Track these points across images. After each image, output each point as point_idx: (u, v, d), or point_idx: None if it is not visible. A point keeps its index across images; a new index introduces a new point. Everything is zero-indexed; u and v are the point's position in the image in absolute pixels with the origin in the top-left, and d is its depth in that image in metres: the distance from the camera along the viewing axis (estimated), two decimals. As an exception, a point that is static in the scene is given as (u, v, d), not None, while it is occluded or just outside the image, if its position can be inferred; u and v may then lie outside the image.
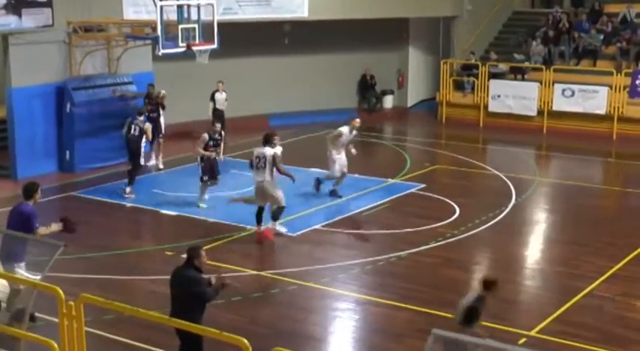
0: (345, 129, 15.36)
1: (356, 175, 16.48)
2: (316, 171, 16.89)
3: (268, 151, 12.91)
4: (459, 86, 24.47)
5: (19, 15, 16.70)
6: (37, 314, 9.18)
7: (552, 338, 9.52)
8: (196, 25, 16.89)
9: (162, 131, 18.06)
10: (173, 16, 16.71)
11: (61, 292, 6.68)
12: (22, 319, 7.64)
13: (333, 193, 15.40)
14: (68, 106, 17.49)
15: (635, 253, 12.49)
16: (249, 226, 13.63)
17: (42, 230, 9.44)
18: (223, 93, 20.08)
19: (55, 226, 9.65)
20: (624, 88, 21.83)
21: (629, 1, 24.71)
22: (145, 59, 19.20)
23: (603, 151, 20.59)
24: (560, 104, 22.53)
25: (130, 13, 18.91)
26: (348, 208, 14.88)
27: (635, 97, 21.71)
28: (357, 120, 15.77)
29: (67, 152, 17.71)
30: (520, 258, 12.73)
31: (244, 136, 20.43)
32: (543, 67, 23.17)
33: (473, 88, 24.00)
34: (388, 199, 15.52)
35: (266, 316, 10.21)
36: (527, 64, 23.96)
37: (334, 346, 9.82)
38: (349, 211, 14.70)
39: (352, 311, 10.63)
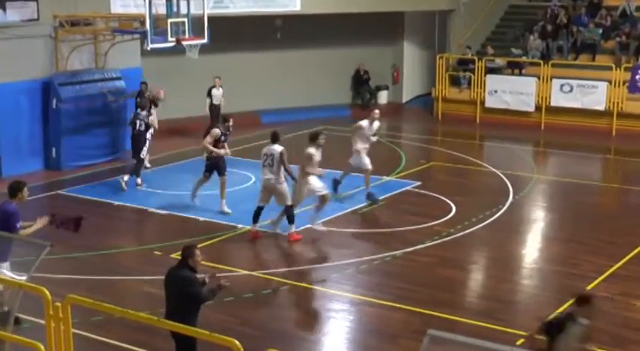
0: (364, 122, 15.34)
1: (350, 173, 16.45)
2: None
3: (277, 148, 12.95)
4: (455, 81, 24.50)
5: (4, 8, 16.66)
6: (22, 316, 9.15)
7: (551, 339, 9.53)
8: (186, 19, 16.87)
9: (154, 129, 17.96)
10: (162, 10, 16.68)
11: (47, 293, 6.66)
12: (7, 321, 7.61)
13: (369, 196, 15.10)
14: (54, 102, 17.43)
15: (635, 251, 12.53)
16: (240, 225, 13.63)
17: (25, 231, 9.30)
18: (220, 89, 20.12)
19: (40, 222, 9.46)
20: (624, 83, 21.89)
21: (628, -6, 24.80)
22: (134, 54, 19.17)
23: (602, 147, 20.65)
24: (558, 100, 22.58)
25: (117, 7, 18.88)
26: (343, 206, 14.89)
27: (634, 93, 21.77)
28: (376, 111, 15.70)
29: (54, 149, 17.67)
30: (517, 257, 12.76)
31: (236, 134, 20.39)
32: (541, 61, 23.22)
33: (469, 84, 24.03)
34: (383, 197, 15.53)
35: (258, 317, 10.21)
36: (524, 58, 24.00)
37: (328, 347, 9.82)
38: (343, 209, 14.70)
39: (346, 312, 10.64)
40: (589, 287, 11.08)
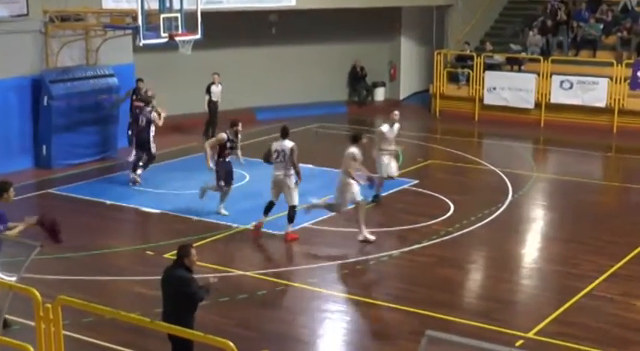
0: (384, 127, 15.11)
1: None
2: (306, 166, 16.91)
3: (288, 144, 12.99)
4: (453, 78, 24.51)
5: (-8, 4, 16.62)
6: (12, 318, 9.13)
7: (550, 340, 9.56)
8: (179, 15, 16.83)
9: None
10: (154, 5, 16.65)
11: (37, 294, 6.65)
12: (-3, 323, 7.61)
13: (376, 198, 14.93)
14: (45, 99, 17.37)
15: (636, 251, 12.54)
16: (235, 225, 13.62)
17: (11, 231, 9.19)
18: (219, 85, 20.15)
19: (26, 222, 9.31)
20: (625, 79, 21.92)
21: (629, -11, 24.83)
22: (126, 50, 19.14)
23: (603, 145, 20.68)
24: (558, 96, 22.60)
25: (109, 2, 18.87)
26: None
27: (636, 89, 21.80)
28: (396, 112, 15.46)
29: (44, 147, 17.63)
30: (517, 257, 12.77)
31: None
32: (541, 57, 23.24)
33: (468, 80, 24.05)
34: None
35: (253, 318, 10.21)
36: (524, 54, 24.02)
37: (324, 349, 9.83)
38: (339, 208, 14.69)
39: (342, 313, 10.64)
40: (589, 287, 11.10)
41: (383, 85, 26.47)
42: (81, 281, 11.41)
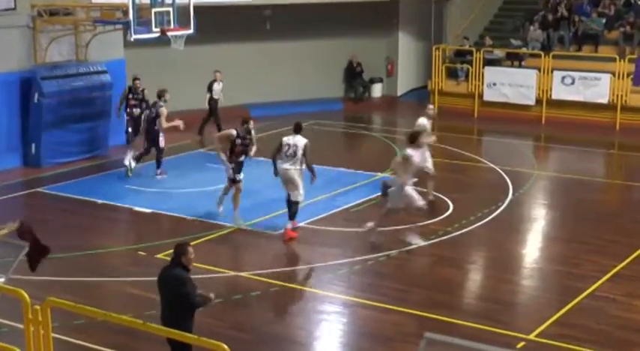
0: (423, 119, 14.90)
1: (342, 169, 16.49)
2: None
3: (301, 140, 13.00)
4: (451, 74, 24.53)
5: (-23, -3, 16.58)
6: (0, 320, 9.12)
7: (552, 342, 9.57)
8: (171, 9, 16.83)
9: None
10: (146, -1, 16.65)
11: (26, 295, 6.64)
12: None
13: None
14: (36, 96, 17.31)
15: (639, 251, 12.56)
16: (228, 224, 13.62)
17: None
18: (220, 83, 20.18)
19: (7, 228, 9.22)
20: (628, 75, 21.95)
21: (632, -17, 24.87)
22: (116, 46, 19.12)
23: (605, 142, 20.70)
24: (559, 93, 22.63)
25: (99, -4, 18.83)
26: (335, 204, 14.88)
27: (639, 85, 21.83)
28: (430, 106, 15.19)
29: (33, 145, 17.58)
30: (517, 257, 12.79)
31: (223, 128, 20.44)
32: (542, 53, 23.26)
33: (467, 76, 24.07)
34: (377, 194, 15.53)
35: (248, 320, 10.21)
36: (524, 50, 24.04)
37: (320, 351, 9.84)
38: (336, 207, 14.70)
39: (339, 314, 10.65)
40: (591, 288, 11.12)
41: (380, 81, 26.46)
42: (71, 282, 11.39)
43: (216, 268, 11.68)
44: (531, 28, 24.33)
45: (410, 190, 12.62)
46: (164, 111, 16.25)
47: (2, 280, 7.94)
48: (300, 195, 13.00)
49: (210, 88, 20.21)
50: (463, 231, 13.49)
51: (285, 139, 13.10)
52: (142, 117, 16.98)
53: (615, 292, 11.02)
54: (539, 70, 22.95)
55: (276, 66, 24.24)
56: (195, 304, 7.73)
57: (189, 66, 21.94)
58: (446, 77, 24.48)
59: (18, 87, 17.44)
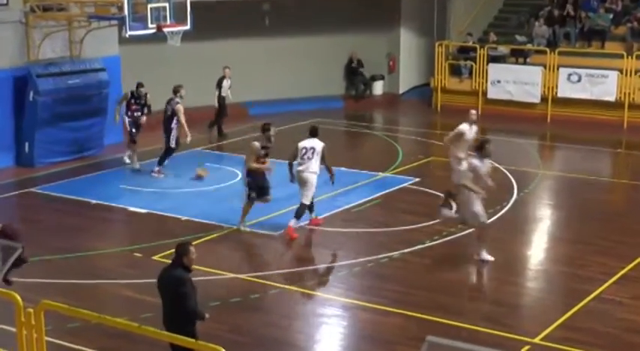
0: (464, 126, 14.23)
1: (343, 169, 16.49)
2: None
3: (319, 144, 13.19)
4: (455, 71, 24.53)
5: (-32, -8, 16.58)
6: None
7: (558, 345, 9.58)
8: (167, 4, 16.83)
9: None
10: (141, -6, 16.65)
11: (18, 298, 6.65)
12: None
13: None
14: (31, 94, 17.28)
15: (647, 252, 12.58)
16: (226, 225, 13.63)
17: None
18: (228, 80, 20.22)
19: None
20: (636, 72, 21.96)
21: (640, -22, 24.88)
22: (111, 42, 19.12)
23: (613, 141, 20.72)
24: (565, 90, 22.64)
25: (93, -9, 18.82)
26: (335, 204, 14.89)
27: (646, 82, 21.86)
28: (473, 111, 14.59)
29: (26, 144, 17.58)
30: (522, 258, 12.80)
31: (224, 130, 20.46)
32: (547, 49, 23.27)
33: (470, 73, 24.07)
34: (379, 194, 15.56)
35: (246, 323, 10.22)
36: (529, 46, 24.05)
37: (320, 355, 9.86)
38: (336, 207, 14.71)
39: (339, 317, 10.66)
40: (598, 290, 11.13)
41: (381, 78, 26.48)
42: (65, 285, 11.41)
43: (214, 270, 11.69)
44: (537, 23, 24.34)
45: (479, 205, 11.96)
46: (180, 107, 16.42)
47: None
48: (309, 197, 13.20)
49: (219, 85, 20.26)
50: (466, 232, 13.47)
51: (301, 143, 13.28)
52: (143, 119, 17.14)
53: (622, 295, 11.03)
54: (545, 67, 22.96)
55: (275, 63, 24.25)
56: (191, 307, 7.72)
57: (186, 63, 21.95)
58: (449, 74, 24.48)
59: (11, 84, 17.43)
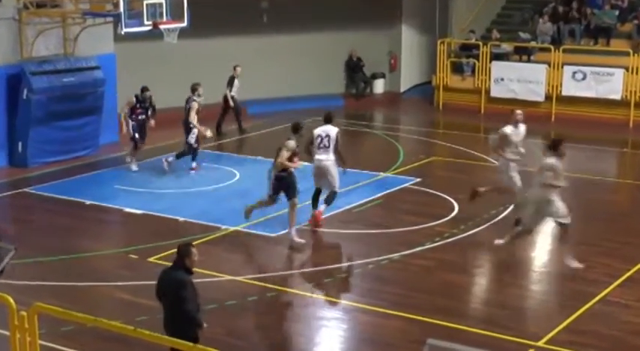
0: (508, 128, 13.72)
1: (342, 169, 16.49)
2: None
3: (333, 129, 13.36)
4: (457, 69, 24.54)
5: (-39, -11, 16.57)
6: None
7: (562, 349, 9.58)
8: (163, 1, 16.84)
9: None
10: (137, -9, 16.65)
11: (11, 301, 6.65)
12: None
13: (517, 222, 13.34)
14: (25, 92, 17.26)
15: (653, 253, 12.59)
16: (224, 226, 13.64)
17: None
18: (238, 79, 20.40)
19: None
20: (641, 70, 21.97)
21: (647, -27, 24.88)
22: (106, 39, 19.13)
23: (618, 140, 20.72)
24: (570, 88, 22.65)
25: (88, -12, 18.83)
26: (336, 204, 14.86)
27: (653, 81, 21.86)
28: (518, 111, 13.98)
29: (20, 144, 17.58)
30: (525, 260, 12.80)
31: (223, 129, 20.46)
32: (552, 47, 23.27)
33: (473, 71, 24.08)
34: (379, 194, 15.56)
35: (244, 327, 10.23)
36: (533, 43, 24.05)
37: (319, 359, 9.87)
38: (336, 208, 14.68)
39: (339, 320, 10.66)
40: (603, 292, 11.13)
41: (382, 76, 26.49)
42: (59, 287, 11.41)
43: (211, 272, 11.68)
44: (541, 20, 24.34)
45: (560, 204, 11.87)
46: (194, 105, 16.62)
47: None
48: (336, 185, 13.50)
49: (230, 84, 20.32)
50: (468, 233, 13.51)
51: (316, 131, 13.48)
52: (152, 123, 17.17)
53: (627, 297, 11.04)
54: (549, 64, 22.97)
55: (274, 61, 24.25)
56: (190, 311, 7.71)
57: (183, 61, 21.95)
58: (451, 72, 24.49)
59: (4, 82, 17.43)
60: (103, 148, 18.66)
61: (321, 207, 13.59)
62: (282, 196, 13.03)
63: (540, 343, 9.72)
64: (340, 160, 13.63)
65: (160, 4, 16.81)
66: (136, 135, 16.99)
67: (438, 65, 24.51)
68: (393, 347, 9.79)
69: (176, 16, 17.13)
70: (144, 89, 17.14)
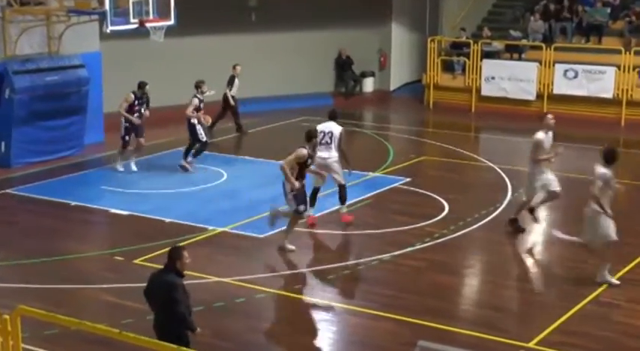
0: (540, 134, 13.57)
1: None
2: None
3: (336, 127, 13.49)
4: (447, 67, 24.58)
5: (-58, -15, 16.49)
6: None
7: (553, 350, 9.60)
8: (150, -1, 16.81)
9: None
10: (123, -12, 16.62)
11: (-6, 303, 6.63)
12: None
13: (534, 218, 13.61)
14: (7, 92, 17.16)
15: (646, 253, 12.62)
16: (211, 227, 13.61)
17: None
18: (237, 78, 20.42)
19: None
20: (634, 68, 22.05)
21: (638, -29, 24.98)
22: (92, 37, 19.05)
23: (610, 139, 20.75)
24: (561, 87, 22.71)
25: (73, -15, 18.77)
26: (324, 205, 14.85)
27: (645, 79, 21.93)
28: (550, 116, 13.97)
29: (2, 144, 17.50)
30: (517, 260, 12.83)
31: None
32: (543, 45, 23.34)
33: (464, 70, 24.12)
34: (369, 194, 15.56)
35: (231, 329, 10.21)
36: (524, 41, 24.11)
37: (308, 361, 9.86)
38: (325, 208, 14.68)
39: (328, 322, 10.66)
40: (594, 293, 11.16)
41: (372, 75, 26.51)
42: (42, 290, 11.36)
43: (198, 274, 11.65)
44: (532, 18, 24.40)
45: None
46: (195, 101, 16.76)
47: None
48: (342, 179, 13.66)
49: (230, 83, 20.26)
50: (459, 233, 13.52)
51: (319, 126, 13.54)
52: (147, 113, 16.98)
53: (619, 298, 11.07)
54: (540, 63, 23.03)
55: (262, 59, 24.22)
56: (181, 315, 7.69)
57: (170, 59, 21.90)
58: (441, 71, 24.53)
59: (-15, 81, 17.36)
60: (88, 148, 18.60)
61: (342, 209, 13.86)
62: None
63: (531, 344, 9.73)
64: (344, 161, 13.69)
65: (147, 2, 16.79)
66: (127, 137, 16.80)
67: (428, 63, 24.54)
68: (383, 350, 9.80)
69: (163, 14, 17.10)
70: (142, 84, 16.85)
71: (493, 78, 23.49)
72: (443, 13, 26.09)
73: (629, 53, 22.17)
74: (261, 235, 13.30)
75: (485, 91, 23.62)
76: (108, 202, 15.14)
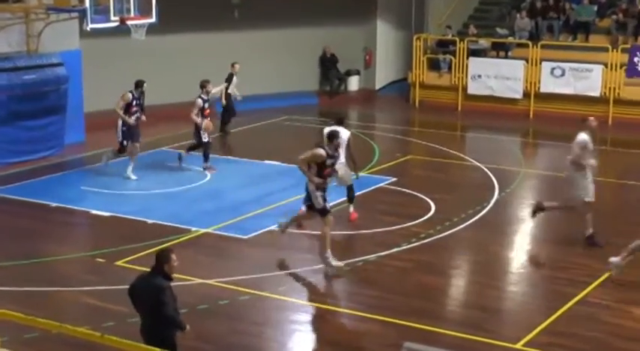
0: (584, 136, 13.08)
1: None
2: (272, 163, 17.01)
3: (345, 131, 13.46)
4: (433, 65, 24.64)
5: None
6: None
7: (540, 351, 9.65)
8: (131, -4, 16.77)
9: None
10: (103, -15, 16.57)
11: (-28, 307, 6.60)
12: None
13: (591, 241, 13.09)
14: None
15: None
16: (194, 228, 13.59)
17: None
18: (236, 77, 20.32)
19: None
20: (621, 66, 22.17)
21: (625, -32, 25.11)
22: (71, 35, 18.99)
23: (598, 138, 20.82)
24: (548, 85, 22.80)
25: (52, -18, 18.69)
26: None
27: (633, 77, 22.05)
28: (591, 118, 13.51)
29: (-20, 145, 17.43)
30: (504, 261, 12.86)
31: (188, 126, 20.34)
32: (529, 42, 23.43)
33: (450, 68, 24.19)
34: (354, 194, 15.56)
35: (214, 331, 10.19)
36: (511, 39, 24.19)
37: (293, 364, 9.86)
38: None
39: (313, 324, 10.67)
40: (582, 293, 11.21)
41: (357, 73, 26.52)
42: (21, 293, 11.31)
43: (181, 276, 11.60)
44: (518, 16, 24.50)
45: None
46: (199, 102, 16.58)
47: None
48: (350, 179, 13.78)
49: (229, 81, 20.17)
50: (446, 233, 13.55)
51: (325, 130, 13.32)
52: (143, 118, 16.51)
53: (607, 298, 11.11)
54: (527, 61, 23.11)
55: (245, 57, 24.06)
56: (170, 317, 7.68)
57: (152, 57, 21.85)
58: (427, 69, 24.58)
59: (-37, 80, 17.25)
60: (68, 148, 18.53)
61: (350, 208, 14.02)
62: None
63: (519, 346, 9.76)
64: (352, 165, 13.66)
65: (128, 0, 16.72)
66: (125, 142, 16.31)
67: (414, 62, 24.59)
68: (368, 351, 9.81)
69: (144, 11, 17.07)
70: (139, 83, 16.36)
71: (479, 76, 23.56)
72: (429, 10, 26.14)
73: (617, 51, 22.29)
74: (245, 236, 13.29)
75: (471, 90, 23.68)
76: (89, 203, 15.08)
